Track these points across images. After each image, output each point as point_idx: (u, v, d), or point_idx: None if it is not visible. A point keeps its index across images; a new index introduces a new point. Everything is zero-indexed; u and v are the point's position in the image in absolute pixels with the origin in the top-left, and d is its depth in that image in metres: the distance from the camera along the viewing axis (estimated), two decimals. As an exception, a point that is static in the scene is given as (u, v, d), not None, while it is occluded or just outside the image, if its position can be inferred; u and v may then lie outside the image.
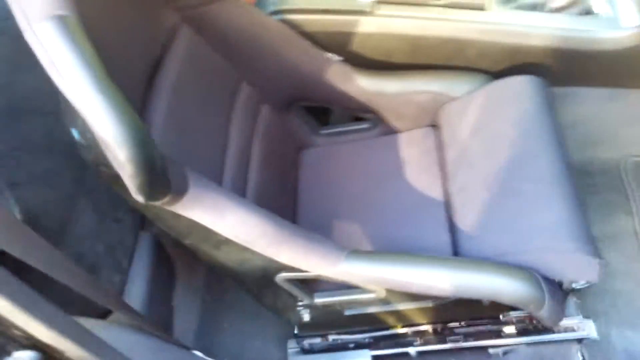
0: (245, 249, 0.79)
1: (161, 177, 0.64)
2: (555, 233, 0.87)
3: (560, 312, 0.92)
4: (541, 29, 1.11)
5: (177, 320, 1.14)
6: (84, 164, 1.02)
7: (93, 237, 0.93)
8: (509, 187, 0.94)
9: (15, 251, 0.62)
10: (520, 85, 1.08)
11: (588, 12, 1.18)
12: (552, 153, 0.96)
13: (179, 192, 0.69)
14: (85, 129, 0.59)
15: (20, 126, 1.04)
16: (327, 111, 1.27)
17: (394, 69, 1.17)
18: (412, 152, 1.16)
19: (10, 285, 0.58)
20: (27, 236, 0.68)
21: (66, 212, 0.95)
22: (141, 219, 1.05)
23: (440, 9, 1.12)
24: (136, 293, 0.95)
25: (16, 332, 0.62)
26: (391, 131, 1.22)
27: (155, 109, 0.82)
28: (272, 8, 1.11)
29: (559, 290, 0.93)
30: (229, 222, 0.75)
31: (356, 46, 1.15)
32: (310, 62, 1.10)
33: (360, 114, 1.23)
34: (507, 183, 0.95)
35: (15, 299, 0.58)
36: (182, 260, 1.18)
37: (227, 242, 0.78)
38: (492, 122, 1.05)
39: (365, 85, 1.14)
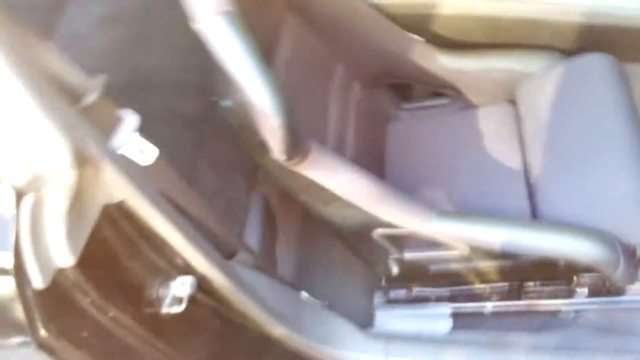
0: (350, 205, 0.93)
1: (297, 142, 0.79)
2: (631, 200, 0.95)
3: (634, 274, 1.01)
4: (612, 9, 1.17)
5: (278, 269, 1.30)
6: (201, 133, 1.19)
7: (214, 194, 1.09)
8: (587, 158, 1.03)
9: (173, 194, 0.78)
10: (595, 64, 1.15)
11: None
12: (627, 127, 1.03)
13: (305, 155, 0.83)
14: (239, 103, 0.73)
15: (142, 100, 1.22)
16: (409, 87, 1.38)
17: (472, 48, 1.26)
18: (491, 125, 1.26)
19: (178, 222, 0.74)
20: (178, 183, 0.84)
21: (189, 174, 1.12)
22: (252, 180, 1.20)
23: (519, -9, 1.20)
24: (253, 242, 1.10)
25: (179, 260, 0.78)
26: (470, 106, 1.32)
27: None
28: (360, -7, 1.23)
29: (633, 256, 1.01)
30: (341, 181, 0.89)
31: (437, 27, 1.25)
32: (395, 42, 1.21)
33: (440, 89, 1.33)
34: (584, 155, 1.03)
35: (183, 232, 0.74)
36: (282, 219, 1.33)
37: (336, 199, 0.92)
38: (569, 99, 1.13)
39: (445, 63, 1.24)
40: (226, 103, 0.78)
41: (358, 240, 1.05)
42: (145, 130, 1.22)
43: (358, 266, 1.25)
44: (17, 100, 0.50)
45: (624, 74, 1.14)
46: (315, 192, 0.92)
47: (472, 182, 1.18)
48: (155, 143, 1.22)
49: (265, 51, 0.99)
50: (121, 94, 0.69)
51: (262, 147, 0.81)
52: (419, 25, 1.24)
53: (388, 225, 0.96)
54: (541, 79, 1.20)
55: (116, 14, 1.23)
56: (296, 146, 0.79)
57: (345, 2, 1.12)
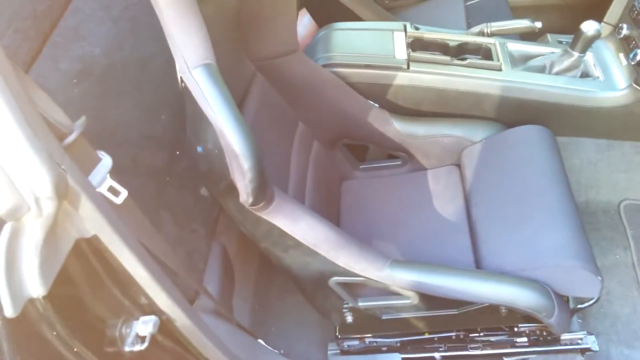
0: (309, 253, 0.98)
1: (265, 186, 0.84)
2: (563, 252, 1.05)
3: (567, 321, 1.09)
4: (546, 87, 1.34)
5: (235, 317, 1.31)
6: (164, 184, 1.23)
7: (175, 243, 1.12)
8: (523, 215, 1.13)
9: (141, 235, 0.81)
10: (531, 133, 1.29)
11: (586, 75, 1.41)
12: (558, 188, 1.16)
13: (269, 200, 0.89)
14: (213, 147, 0.79)
15: (112, 151, 1.25)
16: (365, 149, 1.48)
17: (423, 116, 1.39)
18: (438, 185, 1.36)
19: (146, 261, 0.77)
20: (146, 225, 0.87)
21: (153, 223, 1.14)
22: (212, 230, 1.24)
23: (463, 67, 1.36)
24: (212, 290, 1.12)
25: (143, 300, 0.80)
26: (420, 168, 1.43)
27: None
28: (322, 62, 1.34)
29: (566, 304, 1.10)
30: (302, 227, 0.94)
31: (391, 96, 1.37)
32: (354, 107, 1.32)
33: (393, 152, 1.44)
34: (521, 212, 1.14)
35: (151, 271, 0.76)
36: (239, 270, 1.36)
37: (296, 246, 0.97)
38: (507, 162, 1.25)
39: (399, 128, 1.36)
40: (199, 149, 0.83)
41: (315, 288, 1.09)
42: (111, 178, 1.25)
43: (313, 317, 1.28)
44: (6, 130, 0.53)
45: (555, 143, 1.29)
46: (276, 238, 0.97)
47: (421, 237, 1.26)
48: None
49: (238, 102, 1.07)
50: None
51: (229, 191, 0.86)
52: (376, 92, 1.37)
53: (344, 273, 1.02)
54: (483, 145, 1.33)
55: (88, 71, 1.28)
56: (263, 191, 0.85)
57: (310, 69, 1.23)
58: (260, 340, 1.10)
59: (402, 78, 1.34)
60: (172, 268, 0.88)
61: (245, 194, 0.82)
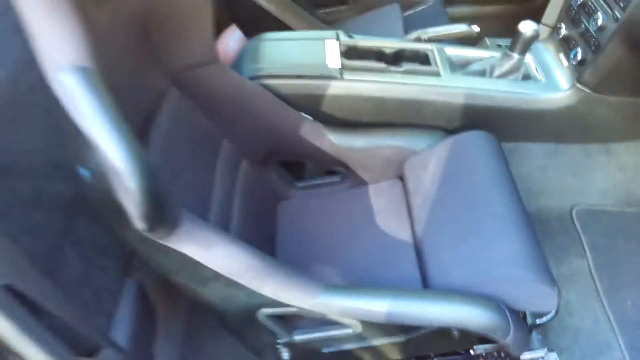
0: (230, 284, 0.85)
1: (161, 209, 0.72)
2: (514, 264, 0.96)
3: (526, 340, 1.00)
4: (488, 91, 1.27)
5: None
6: (72, 217, 1.09)
7: (80, 283, 0.97)
8: (470, 226, 1.04)
9: (22, 284, 0.67)
10: (474, 139, 1.21)
11: (527, 77, 1.36)
12: (507, 195, 1.08)
13: (174, 226, 0.76)
14: (96, 167, 0.66)
15: (11, 184, 1.11)
16: (302, 166, 1.37)
17: (361, 127, 1.30)
18: (381, 200, 1.27)
19: (16, 314, 0.63)
20: (30, 273, 0.73)
21: (55, 261, 1.00)
22: (126, 267, 1.09)
23: (400, 74, 1.28)
24: (122, 337, 0.98)
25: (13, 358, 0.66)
26: (361, 183, 1.33)
27: (148, 155, 0.91)
28: (250, 74, 1.24)
29: (522, 321, 1.01)
30: (216, 255, 0.82)
31: (326, 107, 1.28)
32: (286, 121, 1.22)
33: (332, 167, 1.33)
34: (468, 223, 1.05)
35: (20, 326, 0.63)
36: (164, 309, 1.21)
37: (214, 278, 0.84)
38: (452, 171, 1.17)
39: (335, 141, 1.26)
40: (80, 170, 0.70)
41: (243, 324, 0.96)
42: (9, 215, 1.10)
43: (251, 358, 1.14)
44: None
45: (501, 149, 1.21)
46: (191, 270, 0.84)
47: (364, 257, 1.16)
48: (18, 229, 1.10)
49: (145, 118, 0.95)
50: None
51: (125, 219, 0.73)
52: (309, 104, 1.27)
53: (273, 304, 0.90)
54: (426, 154, 1.24)
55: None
56: (160, 214, 0.72)
57: (233, 81, 1.12)
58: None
59: (336, 88, 1.25)
60: (64, 319, 0.74)
61: (136, 220, 0.69)
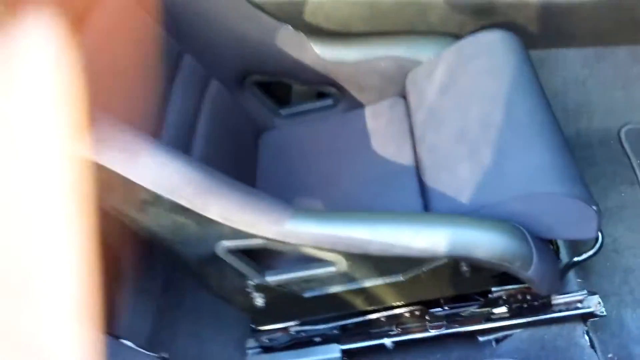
0: (173, 208, 0.68)
1: None
2: (539, 177, 0.74)
3: (554, 275, 0.79)
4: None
5: (130, 324, 1.01)
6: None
7: None
8: (485, 137, 0.83)
9: None
10: (494, 40, 0.98)
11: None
12: (531, 99, 0.86)
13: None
14: None
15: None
16: (287, 90, 1.17)
17: (352, 38, 1.08)
18: (380, 123, 1.06)
19: None
20: None
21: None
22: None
23: (397, -31, 1.05)
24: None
25: None
26: (356, 106, 1.12)
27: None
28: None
29: (549, 250, 0.79)
30: (144, 165, 0.64)
31: (310, 16, 1.07)
32: (259, 29, 1.02)
33: (321, 88, 1.13)
34: (482, 134, 0.83)
35: None
36: (136, 263, 1.06)
37: (152, 200, 0.67)
38: (462, 76, 0.94)
39: (322, 54, 1.05)
40: None
41: (203, 264, 0.79)
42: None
43: (231, 310, 0.97)
44: None
45: (525, 51, 0.97)
46: (121, 190, 0.67)
47: (358, 188, 0.96)
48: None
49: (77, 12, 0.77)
50: None
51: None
52: (289, 13, 1.06)
53: (232, 234, 0.72)
54: (431, 64, 1.02)
55: None
56: None
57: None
58: (126, 342, 0.80)
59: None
60: None
61: None
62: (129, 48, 0.85)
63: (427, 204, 0.85)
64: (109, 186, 0.67)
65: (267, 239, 0.73)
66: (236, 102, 1.08)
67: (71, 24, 0.74)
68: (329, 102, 1.14)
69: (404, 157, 0.96)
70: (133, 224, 0.75)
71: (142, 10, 0.90)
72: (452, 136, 0.88)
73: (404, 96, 1.08)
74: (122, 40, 0.84)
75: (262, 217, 0.71)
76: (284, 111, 1.15)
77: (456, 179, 0.82)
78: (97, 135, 0.63)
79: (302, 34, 1.05)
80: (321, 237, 0.73)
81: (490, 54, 0.95)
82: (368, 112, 1.09)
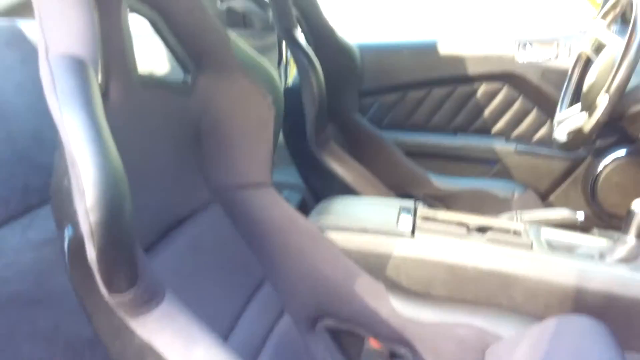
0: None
1: (128, 257, 0.55)
2: None
3: None
4: (602, 273, 1.01)
5: None
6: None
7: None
8: None
9: None
10: (581, 326, 0.91)
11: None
12: None
13: (146, 297, 0.58)
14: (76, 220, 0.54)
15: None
16: (360, 344, 1.10)
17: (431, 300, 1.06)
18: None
19: None
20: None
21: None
22: None
23: (484, 242, 1.08)
24: None
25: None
26: (428, 373, 1.02)
27: (164, 258, 0.77)
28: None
29: None
30: (198, 357, 0.59)
31: (393, 271, 1.09)
32: (339, 270, 1.03)
33: (394, 347, 1.05)
34: None
35: None
36: None
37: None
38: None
39: (399, 309, 1.01)
40: (67, 230, 0.56)
41: None
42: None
43: None
44: None
45: (619, 347, 0.88)
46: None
47: None
48: None
49: (174, 219, 0.84)
50: None
51: (90, 280, 0.56)
52: (372, 265, 1.09)
53: None
54: (513, 341, 0.94)
55: None
56: (126, 266, 0.55)
57: (282, 210, 1.01)
58: None
59: (404, 247, 1.08)
60: None
61: (94, 255, 0.52)
62: (218, 259, 0.89)
63: None
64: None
65: None
66: (304, 346, 1.03)
67: (163, 228, 0.80)
68: (399, 363, 1.05)
69: None
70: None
71: (234, 229, 0.97)
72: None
73: (481, 371, 0.98)
74: (212, 250, 0.88)
75: None
76: (349, 363, 1.07)
77: None
78: (158, 311, 0.60)
79: (382, 285, 1.04)
80: None
81: (576, 340, 0.87)
82: (440, 380, 0.98)
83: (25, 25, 1.04)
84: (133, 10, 0.76)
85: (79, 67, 0.54)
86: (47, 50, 0.54)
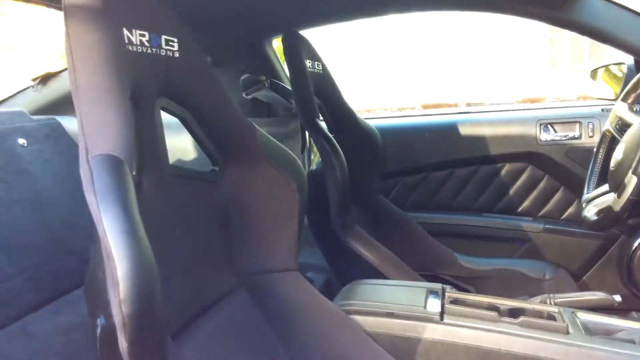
0: None
1: (158, 348, 0.55)
2: None
3: None
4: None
5: None
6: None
7: None
8: None
9: None
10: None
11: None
12: None
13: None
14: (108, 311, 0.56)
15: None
16: None
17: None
18: None
19: None
20: None
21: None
22: None
23: (516, 326, 1.04)
24: None
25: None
26: None
27: (191, 346, 0.77)
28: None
29: None
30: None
31: (422, 355, 1.05)
32: (366, 355, 1.00)
33: None
34: None
35: None
36: None
37: None
38: None
39: (430, 399, 0.97)
40: (99, 321, 0.57)
41: None
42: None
43: None
44: None
45: None
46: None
47: None
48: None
49: (200, 303, 0.84)
50: None
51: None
52: (400, 348, 1.06)
53: None
54: None
55: None
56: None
57: (308, 294, 1.01)
58: None
59: (433, 332, 1.04)
60: None
61: (123, 346, 0.53)
62: (246, 344, 0.88)
63: None
64: None
65: None
66: None
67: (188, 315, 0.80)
68: None
69: None
70: None
71: (260, 314, 0.96)
72: None
73: None
74: (237, 338, 0.88)
75: None
76: None
77: None
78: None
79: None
80: None
81: None
82: None
83: (63, 120, 1.12)
84: (165, 110, 0.81)
85: (115, 164, 0.58)
86: (87, 151, 0.58)
